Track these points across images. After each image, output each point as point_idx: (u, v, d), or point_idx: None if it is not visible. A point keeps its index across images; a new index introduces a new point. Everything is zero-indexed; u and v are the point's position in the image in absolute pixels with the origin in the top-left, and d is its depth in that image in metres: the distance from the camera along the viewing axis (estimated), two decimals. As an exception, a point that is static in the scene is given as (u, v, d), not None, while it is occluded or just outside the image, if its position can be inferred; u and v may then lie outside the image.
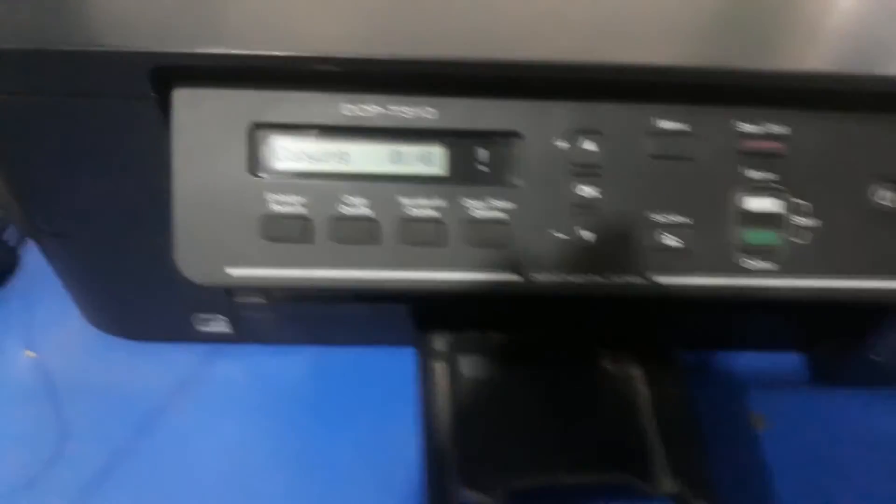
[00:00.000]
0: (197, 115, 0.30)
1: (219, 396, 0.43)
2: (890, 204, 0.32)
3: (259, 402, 0.42)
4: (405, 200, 0.31)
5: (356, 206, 0.31)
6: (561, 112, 0.31)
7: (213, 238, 0.31)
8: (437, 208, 0.31)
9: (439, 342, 0.40)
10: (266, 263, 0.31)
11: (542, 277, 0.32)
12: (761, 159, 0.32)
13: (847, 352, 0.42)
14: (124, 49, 0.29)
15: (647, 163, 0.31)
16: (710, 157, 0.32)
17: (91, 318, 0.45)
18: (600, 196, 0.32)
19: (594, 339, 0.41)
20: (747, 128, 0.32)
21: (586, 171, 0.31)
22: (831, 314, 0.40)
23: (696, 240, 0.32)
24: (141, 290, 0.40)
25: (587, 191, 0.32)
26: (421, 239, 0.31)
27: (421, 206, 0.31)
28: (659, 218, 0.32)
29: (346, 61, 0.29)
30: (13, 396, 0.42)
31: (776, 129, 0.32)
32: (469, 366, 0.39)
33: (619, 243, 0.32)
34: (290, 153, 0.31)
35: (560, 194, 0.32)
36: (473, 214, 0.31)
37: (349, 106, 0.31)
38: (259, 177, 0.31)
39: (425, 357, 0.39)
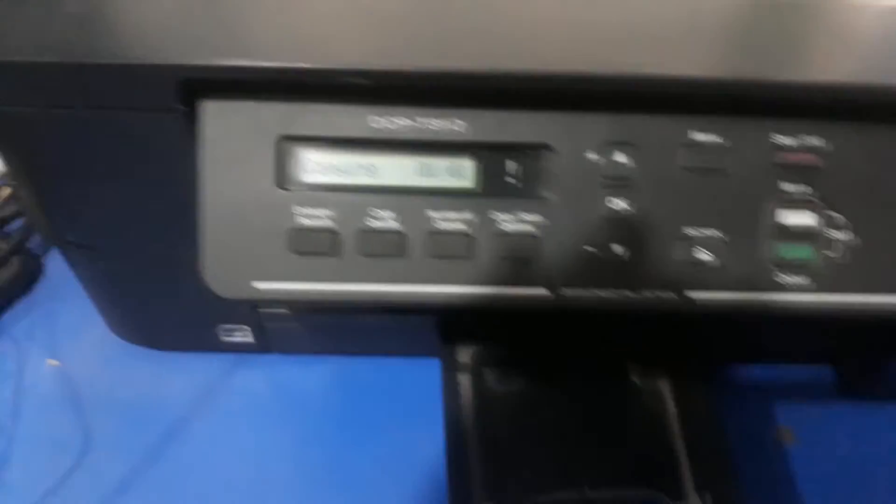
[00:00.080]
0: (224, 127, 0.30)
1: (241, 406, 0.43)
2: (929, 219, 0.31)
3: (282, 412, 0.42)
4: (434, 214, 0.31)
5: (384, 219, 0.31)
6: (593, 124, 0.31)
7: (240, 252, 0.31)
8: (466, 222, 0.31)
9: (465, 355, 0.40)
10: (293, 277, 0.31)
11: (571, 292, 0.31)
12: (797, 172, 0.31)
13: (877, 365, 0.42)
14: (152, 62, 0.28)
15: (680, 176, 0.31)
16: (746, 170, 0.31)
17: (114, 328, 0.45)
18: (632, 210, 0.31)
19: (621, 352, 0.40)
20: (783, 140, 0.31)
21: (618, 183, 0.31)
22: (862, 328, 0.39)
23: (729, 254, 0.31)
24: (165, 301, 0.40)
25: (619, 204, 0.31)
26: (450, 252, 0.31)
27: (450, 220, 0.31)
28: (692, 232, 0.31)
29: (374, 74, 0.29)
30: (36, 405, 0.43)
31: (813, 141, 0.31)
32: (494, 378, 0.39)
33: (651, 258, 0.31)
34: (317, 166, 0.31)
35: (591, 208, 0.31)
36: (503, 228, 0.31)
37: (377, 118, 0.30)
38: (287, 190, 0.31)
39: (450, 369, 0.39)
